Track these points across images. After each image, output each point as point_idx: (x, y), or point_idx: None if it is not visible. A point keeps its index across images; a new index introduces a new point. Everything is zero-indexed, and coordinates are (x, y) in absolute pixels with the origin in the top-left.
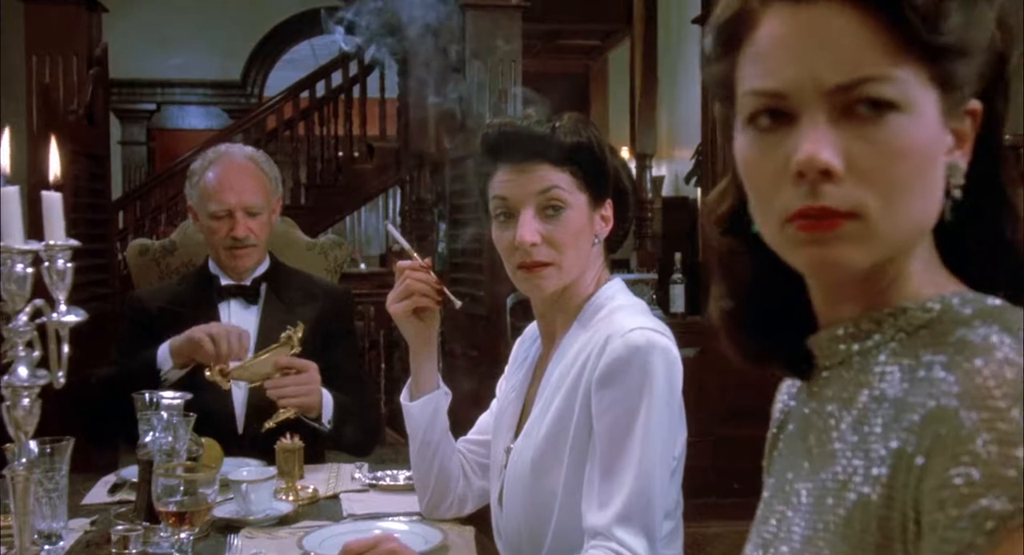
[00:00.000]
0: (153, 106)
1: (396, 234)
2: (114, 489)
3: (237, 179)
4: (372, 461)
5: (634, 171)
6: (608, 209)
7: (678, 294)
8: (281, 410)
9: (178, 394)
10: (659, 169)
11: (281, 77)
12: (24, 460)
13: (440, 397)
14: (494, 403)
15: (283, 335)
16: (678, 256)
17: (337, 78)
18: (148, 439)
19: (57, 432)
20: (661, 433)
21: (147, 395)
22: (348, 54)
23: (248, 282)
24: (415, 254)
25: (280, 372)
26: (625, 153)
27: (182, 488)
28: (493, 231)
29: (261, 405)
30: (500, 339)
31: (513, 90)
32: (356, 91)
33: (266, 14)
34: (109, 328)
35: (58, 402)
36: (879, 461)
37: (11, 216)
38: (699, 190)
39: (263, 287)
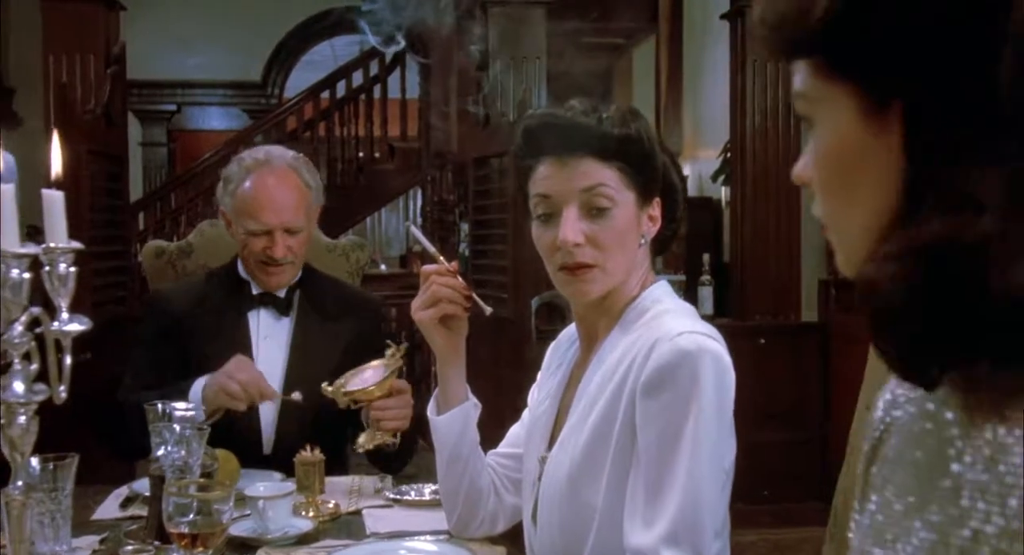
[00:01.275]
0: (173, 107)
1: (420, 235)
2: (126, 503)
3: (278, 195)
4: (410, 474)
5: None
6: (656, 208)
7: (706, 296)
8: (378, 433)
9: (192, 405)
10: (683, 169)
11: (301, 78)
12: (21, 483)
13: (469, 410)
14: (525, 413)
15: (388, 352)
16: (706, 257)
17: (358, 78)
18: (160, 453)
19: (67, 443)
20: (711, 445)
21: (159, 405)
22: (369, 53)
23: (282, 293)
24: (441, 257)
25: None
26: None
27: (195, 507)
28: (533, 230)
29: (290, 422)
30: (525, 343)
31: (538, 88)
32: (377, 91)
33: (286, 14)
34: (128, 332)
35: (79, 415)
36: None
37: (7, 217)
38: (725, 189)
39: (296, 296)
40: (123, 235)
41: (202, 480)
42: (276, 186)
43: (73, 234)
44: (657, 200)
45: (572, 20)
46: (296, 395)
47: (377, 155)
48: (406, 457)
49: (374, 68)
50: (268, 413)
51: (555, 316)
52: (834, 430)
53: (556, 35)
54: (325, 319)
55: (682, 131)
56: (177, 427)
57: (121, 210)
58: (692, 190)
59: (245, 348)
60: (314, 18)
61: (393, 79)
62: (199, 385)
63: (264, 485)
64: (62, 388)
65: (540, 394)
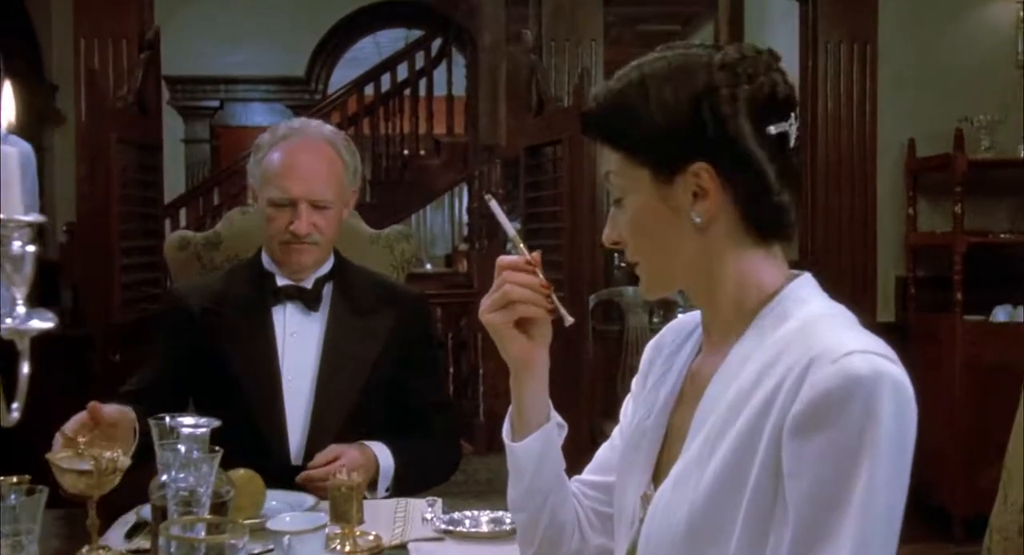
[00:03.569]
0: (216, 103)
1: (499, 212)
2: (133, 532)
3: (307, 164)
4: (444, 490)
5: None
6: (707, 177)
7: None
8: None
9: (203, 421)
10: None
11: (345, 75)
12: None
13: (552, 432)
14: (616, 432)
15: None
16: None
17: (403, 72)
18: (164, 478)
19: None
20: (886, 499)
21: (167, 420)
22: (414, 45)
23: (309, 284)
24: (521, 245)
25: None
26: None
27: (203, 550)
28: None
29: (324, 431)
30: (581, 344)
31: (595, 71)
32: (423, 87)
33: (330, 8)
34: None
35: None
36: None
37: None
38: None
39: (327, 288)
40: (157, 230)
41: (211, 517)
42: (307, 154)
43: (100, 228)
44: (704, 168)
45: (628, 5)
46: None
47: (423, 151)
48: (446, 476)
49: (419, 61)
50: (297, 419)
51: (613, 317)
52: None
53: (611, 24)
54: (360, 314)
55: None
56: (182, 448)
57: (155, 204)
58: None
59: (269, 347)
60: (358, 12)
61: (439, 76)
62: None
63: (291, 516)
64: (15, 406)
65: (639, 410)
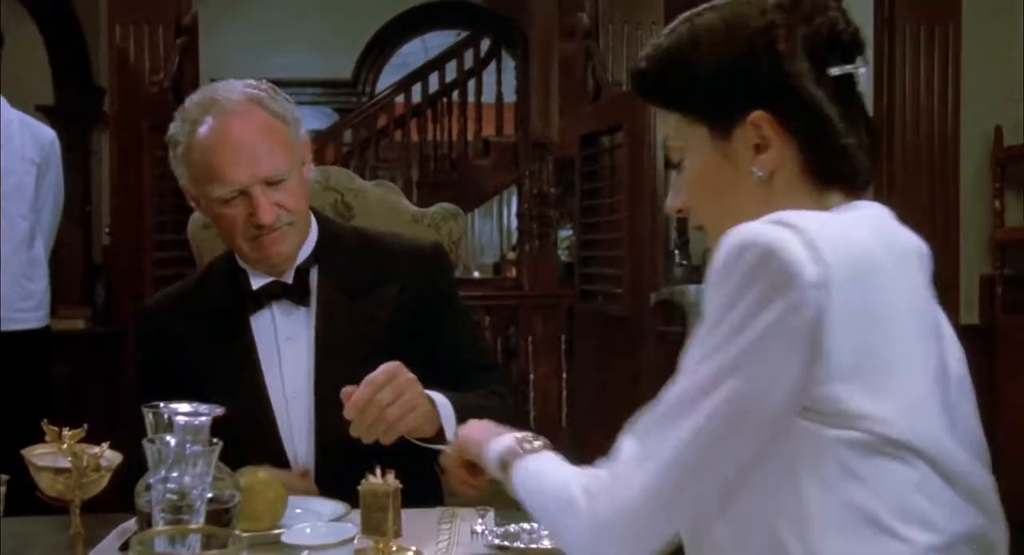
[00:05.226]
0: None
1: None
2: (126, 546)
3: (241, 139)
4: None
5: None
6: (767, 126)
7: None
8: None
9: (204, 408)
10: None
11: (393, 79)
12: None
13: None
14: None
15: None
16: None
17: (451, 72)
18: (152, 480)
19: None
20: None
21: (162, 409)
22: (463, 43)
23: (290, 278)
24: None
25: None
26: None
27: None
28: None
29: (334, 428)
30: (641, 344)
31: None
32: (471, 88)
33: (377, 10)
34: None
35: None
36: None
37: None
38: None
39: (313, 275)
40: None
41: (206, 527)
42: (233, 128)
43: (133, 220)
44: (762, 116)
45: None
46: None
47: (471, 152)
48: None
49: (468, 61)
50: (302, 437)
51: (672, 316)
52: (1006, 445)
53: (671, 12)
54: (356, 293)
55: None
56: (171, 440)
57: None
58: None
59: (250, 365)
60: (406, 14)
61: (489, 82)
62: None
63: (312, 528)
64: None
65: None
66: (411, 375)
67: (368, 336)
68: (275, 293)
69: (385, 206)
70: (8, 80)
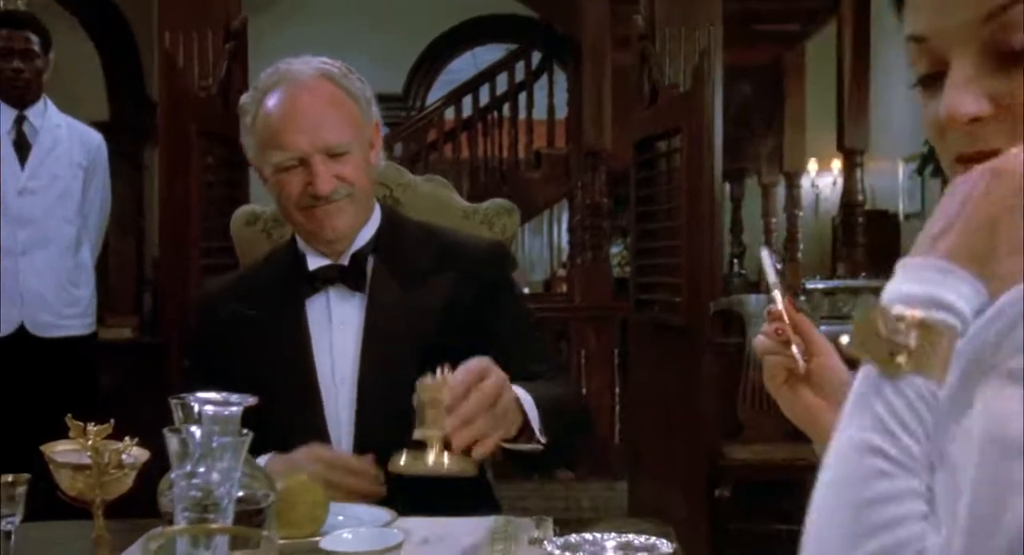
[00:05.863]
0: None
1: (768, 263)
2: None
3: (307, 108)
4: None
5: (841, 170)
6: None
7: None
8: (436, 454)
9: (235, 398)
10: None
11: (443, 91)
12: None
13: None
14: None
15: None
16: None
17: (502, 84)
18: (175, 475)
19: None
20: None
21: (191, 400)
22: (514, 54)
23: (346, 261)
24: (776, 291)
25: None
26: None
27: None
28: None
29: (374, 426)
30: (699, 356)
31: (713, 54)
32: (522, 101)
33: (428, 24)
34: None
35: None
36: None
37: None
38: (903, 202)
39: (370, 262)
40: None
41: (234, 527)
42: (302, 98)
43: (179, 223)
44: None
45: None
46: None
47: (522, 164)
48: (565, 456)
49: (519, 73)
50: (344, 429)
51: (732, 327)
52: None
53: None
54: (410, 284)
55: (868, 131)
56: (196, 432)
57: (241, 200)
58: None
59: (302, 349)
60: (457, 28)
61: (540, 95)
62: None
63: (353, 533)
64: None
65: None
66: (502, 373)
67: (416, 326)
68: (331, 277)
69: (435, 201)
70: (64, 95)
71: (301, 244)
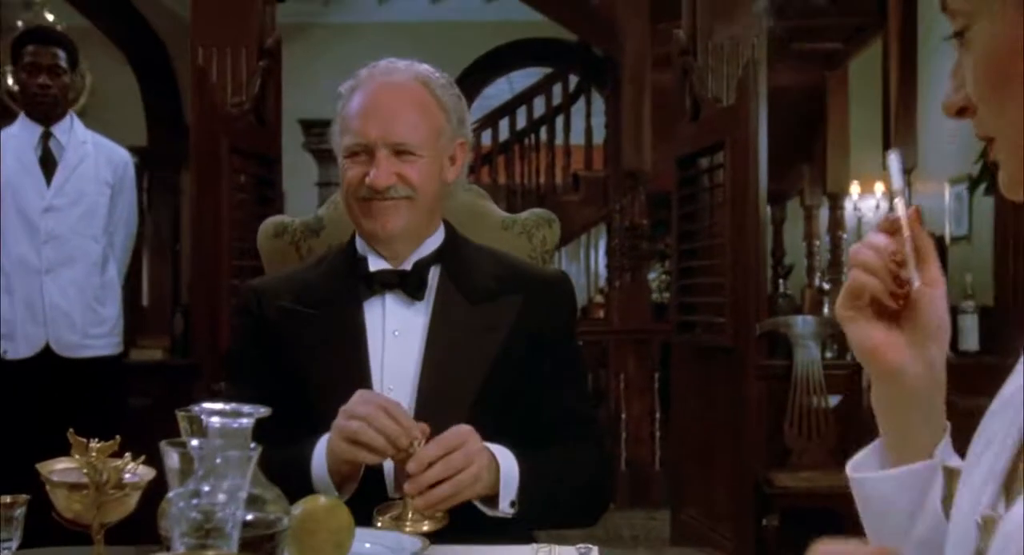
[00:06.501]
0: None
1: (896, 167)
2: None
3: (388, 102)
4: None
5: (884, 193)
6: None
7: (970, 327)
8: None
9: (247, 409)
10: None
11: (479, 116)
12: None
13: (933, 473)
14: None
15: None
16: (968, 278)
17: (539, 108)
18: (172, 494)
19: None
20: None
21: (199, 411)
22: (551, 76)
23: (409, 265)
24: (901, 201)
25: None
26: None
27: None
28: None
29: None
30: (744, 379)
31: (757, 67)
32: (559, 124)
33: (464, 49)
34: None
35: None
36: None
37: None
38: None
39: (434, 272)
40: None
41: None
42: (387, 93)
43: (209, 240)
44: None
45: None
46: None
47: (560, 187)
48: (594, 510)
49: (557, 96)
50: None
51: (778, 349)
52: None
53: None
54: (476, 301)
55: (917, 151)
56: (197, 446)
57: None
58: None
59: (359, 352)
60: (492, 53)
61: (577, 121)
62: (322, 445)
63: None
64: None
65: (993, 425)
66: (481, 443)
67: (481, 342)
68: (391, 282)
69: (472, 212)
70: (103, 121)
71: (361, 246)
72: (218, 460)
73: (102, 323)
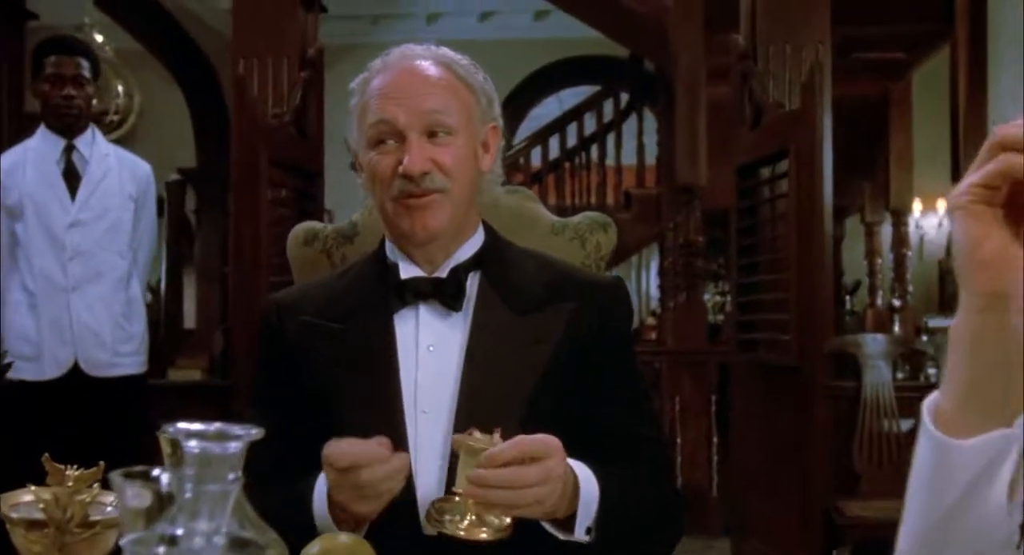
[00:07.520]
0: None
1: None
2: None
3: (414, 83)
4: None
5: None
6: None
7: None
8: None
9: (237, 431)
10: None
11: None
12: None
13: (1013, 442)
14: None
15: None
16: None
17: (590, 125)
18: (126, 541)
19: None
20: None
21: (173, 431)
22: (602, 92)
23: (445, 273)
24: None
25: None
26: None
27: None
28: None
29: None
30: (811, 400)
31: (823, 71)
32: (610, 148)
33: (514, 66)
34: None
35: None
36: None
37: None
38: None
39: (473, 280)
40: None
41: None
42: (411, 74)
43: (250, 254)
44: None
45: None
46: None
47: (611, 205)
48: (669, 542)
49: (608, 113)
50: (432, 468)
51: (844, 369)
52: None
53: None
54: (523, 306)
55: None
56: (163, 478)
57: None
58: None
59: (388, 369)
60: (542, 71)
61: (628, 140)
62: (322, 503)
63: None
64: None
65: None
66: (566, 466)
67: (530, 359)
68: (425, 291)
69: (519, 215)
70: (153, 143)
71: (391, 252)
72: (189, 494)
73: (130, 340)
